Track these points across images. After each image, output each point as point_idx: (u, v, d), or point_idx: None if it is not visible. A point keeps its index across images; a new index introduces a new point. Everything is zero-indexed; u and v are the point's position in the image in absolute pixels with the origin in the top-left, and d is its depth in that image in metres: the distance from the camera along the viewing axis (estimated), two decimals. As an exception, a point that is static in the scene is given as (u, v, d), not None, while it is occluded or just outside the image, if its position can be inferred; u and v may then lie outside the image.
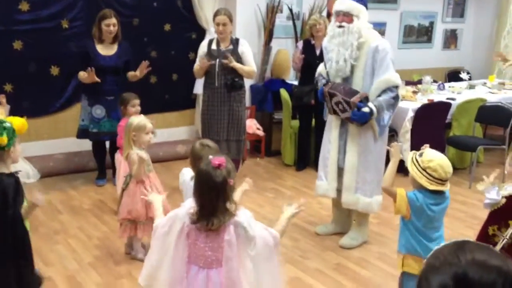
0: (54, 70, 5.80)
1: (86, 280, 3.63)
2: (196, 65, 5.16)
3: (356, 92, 3.88)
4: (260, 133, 6.54)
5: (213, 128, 5.12)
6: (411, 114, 5.86)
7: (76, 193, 5.26)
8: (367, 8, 4.00)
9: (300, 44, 6.04)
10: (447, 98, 6.35)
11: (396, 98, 3.95)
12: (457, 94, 6.72)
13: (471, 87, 7.21)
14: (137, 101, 4.73)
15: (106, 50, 5.21)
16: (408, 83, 7.15)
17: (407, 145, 5.88)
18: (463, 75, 8.13)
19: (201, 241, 2.29)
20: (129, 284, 3.58)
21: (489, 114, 6.08)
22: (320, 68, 4.31)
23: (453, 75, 8.53)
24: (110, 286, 3.57)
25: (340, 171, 4.14)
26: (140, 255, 3.87)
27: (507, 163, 3.17)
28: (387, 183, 2.83)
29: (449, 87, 7.13)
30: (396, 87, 3.92)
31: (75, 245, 4.14)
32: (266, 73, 6.84)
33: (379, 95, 3.89)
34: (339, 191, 4.18)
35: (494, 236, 3.09)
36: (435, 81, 7.20)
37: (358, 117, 3.85)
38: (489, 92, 6.97)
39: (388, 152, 3.08)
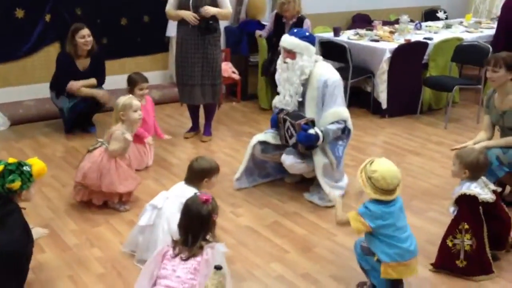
0: (19, 13, 5.55)
1: (62, 228, 3.59)
2: (170, 9, 4.96)
3: (303, 117, 3.90)
4: (236, 76, 6.44)
5: (188, 72, 4.99)
6: (388, 55, 5.81)
7: (48, 141, 5.15)
8: (313, 45, 3.98)
9: (272, 16, 6.01)
10: (424, 38, 6.29)
11: (344, 131, 3.97)
12: (434, 33, 6.66)
13: (448, 26, 7.15)
14: (146, 84, 4.66)
15: (81, 64, 5.18)
16: (385, 23, 7.05)
17: (383, 86, 5.87)
18: (440, 14, 8.05)
19: (175, 264, 2.43)
20: (106, 231, 3.55)
21: (466, 54, 6.04)
22: (276, 100, 4.23)
23: (430, 14, 8.44)
24: (87, 233, 3.53)
25: None
26: (121, 207, 3.82)
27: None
28: (338, 219, 2.86)
29: (426, 26, 7.06)
30: (344, 121, 3.93)
31: (49, 194, 4.07)
32: (241, 14, 6.66)
33: None
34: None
35: None
36: (412, 21, 7.11)
37: (303, 137, 3.81)
38: (466, 31, 6.93)
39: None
